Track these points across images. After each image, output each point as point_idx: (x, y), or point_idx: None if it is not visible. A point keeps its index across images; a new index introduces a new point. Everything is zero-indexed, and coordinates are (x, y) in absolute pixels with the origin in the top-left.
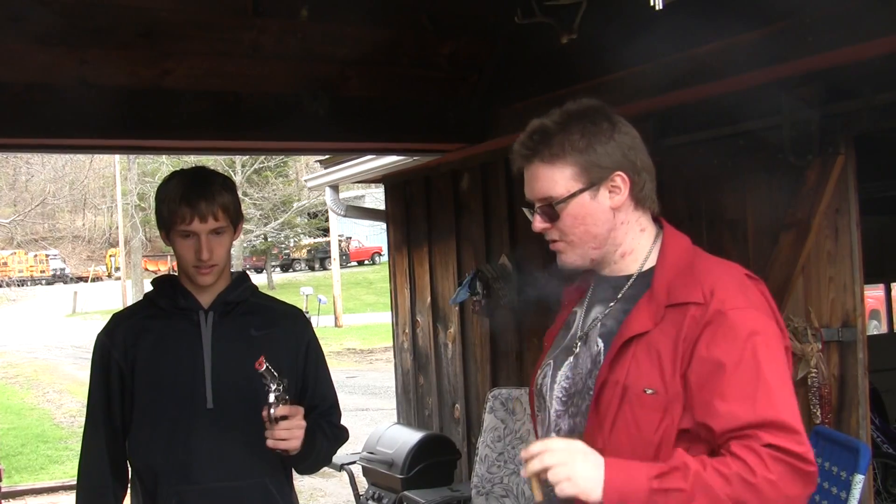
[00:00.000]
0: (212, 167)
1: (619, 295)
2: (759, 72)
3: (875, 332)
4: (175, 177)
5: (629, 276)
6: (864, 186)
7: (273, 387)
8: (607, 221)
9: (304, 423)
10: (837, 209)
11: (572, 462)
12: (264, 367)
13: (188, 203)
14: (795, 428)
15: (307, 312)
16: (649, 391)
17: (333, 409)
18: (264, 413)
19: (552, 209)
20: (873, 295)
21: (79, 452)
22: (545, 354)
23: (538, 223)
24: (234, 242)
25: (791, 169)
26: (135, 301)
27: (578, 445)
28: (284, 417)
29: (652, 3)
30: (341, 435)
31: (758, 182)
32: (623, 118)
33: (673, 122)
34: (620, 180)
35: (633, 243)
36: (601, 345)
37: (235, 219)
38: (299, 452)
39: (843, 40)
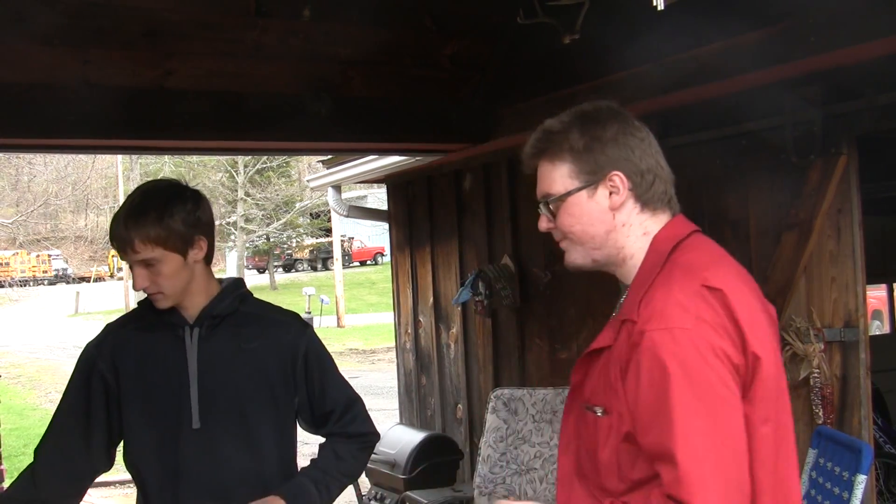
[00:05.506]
0: (214, 167)
1: (619, 304)
2: (762, 72)
3: (877, 333)
4: (129, 195)
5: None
6: (866, 187)
7: None
8: (605, 222)
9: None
10: (840, 209)
11: None
12: None
13: (112, 234)
14: (679, 463)
15: (309, 313)
16: (598, 410)
17: (350, 412)
18: None
19: (551, 207)
20: (875, 295)
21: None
22: None
23: (542, 222)
24: (237, 243)
25: (793, 169)
26: (136, 303)
27: None
28: None
29: (654, 4)
30: (358, 451)
31: (760, 182)
32: (637, 120)
33: (675, 123)
34: (619, 180)
35: (634, 247)
36: None
37: (179, 244)
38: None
39: (845, 41)
